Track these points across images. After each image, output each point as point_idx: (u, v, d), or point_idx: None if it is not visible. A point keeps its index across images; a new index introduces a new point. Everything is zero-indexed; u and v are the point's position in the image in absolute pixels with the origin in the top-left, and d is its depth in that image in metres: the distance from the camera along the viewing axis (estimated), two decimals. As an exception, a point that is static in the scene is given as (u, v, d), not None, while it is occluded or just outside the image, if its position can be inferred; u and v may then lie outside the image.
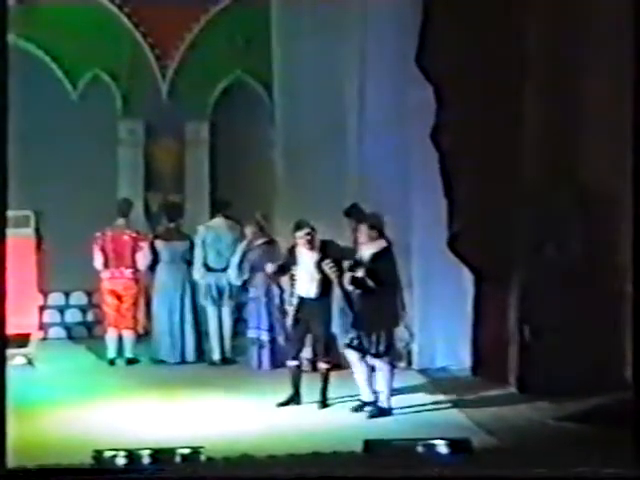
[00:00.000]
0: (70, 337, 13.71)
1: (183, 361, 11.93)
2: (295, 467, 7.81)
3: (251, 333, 11.70)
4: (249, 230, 11.83)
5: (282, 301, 11.67)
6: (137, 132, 14.10)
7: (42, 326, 12.69)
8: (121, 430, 9.03)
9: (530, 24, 9.82)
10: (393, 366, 9.63)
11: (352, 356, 9.59)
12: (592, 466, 7.34)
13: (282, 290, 11.71)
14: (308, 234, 9.93)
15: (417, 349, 11.32)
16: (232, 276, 11.82)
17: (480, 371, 10.78)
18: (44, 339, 12.62)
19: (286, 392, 10.08)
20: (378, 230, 9.74)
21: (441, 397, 10.11)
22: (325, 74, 12.30)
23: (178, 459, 7.86)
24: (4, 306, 7.79)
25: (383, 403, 9.51)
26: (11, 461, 7.80)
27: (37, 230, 12.06)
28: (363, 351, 9.49)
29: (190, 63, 14.03)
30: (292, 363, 10.03)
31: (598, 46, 9.55)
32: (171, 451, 7.93)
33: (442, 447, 7.95)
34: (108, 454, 7.87)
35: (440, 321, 11.13)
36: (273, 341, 11.63)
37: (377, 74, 11.85)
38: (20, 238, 11.86)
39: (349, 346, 9.57)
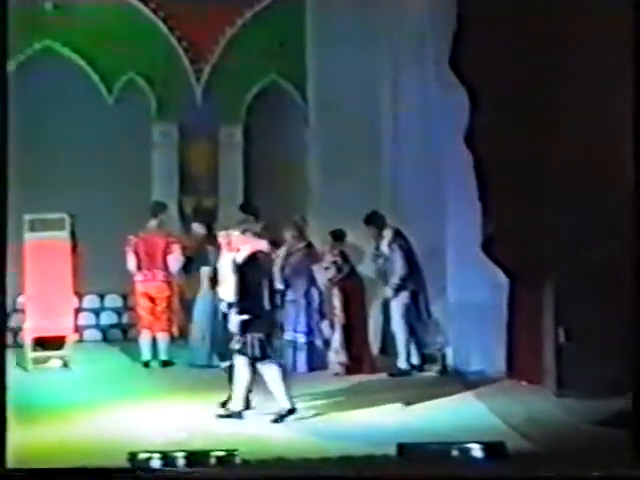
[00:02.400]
0: (105, 339, 13.77)
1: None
2: (329, 470, 7.82)
3: (287, 336, 11.71)
4: (288, 234, 11.82)
5: (321, 304, 11.70)
6: (171, 135, 14.15)
7: (77, 328, 12.75)
8: (156, 432, 9.07)
9: (564, 28, 9.77)
10: (280, 365, 9.53)
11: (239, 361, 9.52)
12: (626, 468, 7.31)
13: (321, 293, 11.74)
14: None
15: (451, 353, 11.30)
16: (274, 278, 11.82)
17: (515, 374, 10.73)
18: (79, 341, 12.68)
19: (322, 395, 10.09)
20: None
21: (475, 400, 10.08)
22: (359, 77, 12.32)
23: (213, 461, 7.89)
24: (4, 305, 7.82)
25: (281, 405, 9.44)
26: (47, 462, 7.88)
27: (72, 233, 12.13)
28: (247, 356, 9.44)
29: (224, 66, 14.07)
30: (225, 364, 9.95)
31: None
32: (206, 454, 7.96)
33: (476, 450, 7.94)
34: (143, 456, 7.91)
35: (475, 325, 11.08)
36: (310, 344, 11.64)
37: (411, 77, 11.87)
38: (55, 241, 11.96)
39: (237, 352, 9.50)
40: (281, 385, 9.49)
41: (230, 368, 9.83)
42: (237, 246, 9.70)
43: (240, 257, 9.59)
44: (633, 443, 7.69)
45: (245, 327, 9.41)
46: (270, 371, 9.48)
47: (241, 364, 9.50)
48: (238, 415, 9.46)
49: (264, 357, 9.43)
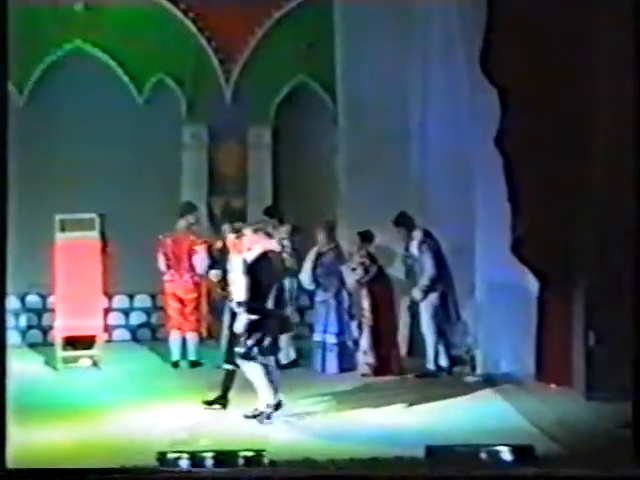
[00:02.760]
0: (134, 339, 13.82)
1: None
2: (357, 471, 7.82)
3: (317, 337, 11.70)
4: (320, 235, 11.81)
5: (350, 305, 11.69)
6: (201, 136, 14.17)
7: (107, 328, 12.82)
8: (185, 432, 9.10)
9: (597, 28, 9.72)
10: (264, 365, 9.50)
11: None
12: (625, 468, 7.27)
13: (350, 294, 11.73)
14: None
15: (481, 355, 11.25)
16: (305, 281, 11.82)
17: (544, 377, 10.68)
18: (109, 341, 12.74)
19: (350, 396, 10.08)
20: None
21: (504, 403, 10.05)
22: (388, 78, 12.30)
23: (241, 462, 7.90)
24: (4, 304, 7.85)
25: (265, 401, 9.46)
26: (75, 461, 7.91)
27: (102, 233, 12.18)
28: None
29: (254, 67, 14.07)
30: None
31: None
32: (234, 454, 7.97)
33: (505, 453, 7.90)
34: (171, 456, 7.94)
35: (504, 327, 11.03)
36: (340, 345, 11.63)
37: (441, 78, 11.83)
38: (86, 241, 12.02)
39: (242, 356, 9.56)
40: (266, 382, 9.49)
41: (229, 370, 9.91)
42: (249, 245, 9.71)
43: (251, 256, 9.60)
44: (633, 443, 7.64)
45: (254, 327, 9.43)
46: (253, 369, 9.49)
47: (249, 366, 9.50)
48: (267, 416, 9.46)
49: (253, 358, 9.45)
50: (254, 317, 9.44)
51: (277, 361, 11.78)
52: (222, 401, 9.95)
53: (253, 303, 9.47)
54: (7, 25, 7.81)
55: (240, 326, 9.53)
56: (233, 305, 9.87)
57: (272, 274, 9.62)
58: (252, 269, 9.52)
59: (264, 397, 9.48)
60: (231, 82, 14.09)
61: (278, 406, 9.53)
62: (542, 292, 10.68)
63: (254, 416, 9.47)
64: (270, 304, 9.55)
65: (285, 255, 10.81)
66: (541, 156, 10.18)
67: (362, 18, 12.50)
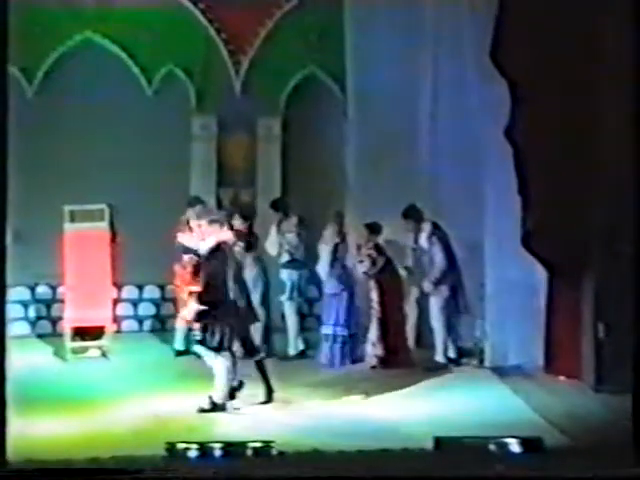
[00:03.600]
0: (143, 330, 13.83)
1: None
2: (366, 463, 7.82)
3: (326, 329, 11.69)
4: (332, 228, 11.80)
5: (359, 297, 11.67)
6: (210, 128, 14.16)
7: (116, 319, 12.84)
8: (193, 423, 9.12)
9: (609, 20, 9.68)
10: (233, 363, 9.60)
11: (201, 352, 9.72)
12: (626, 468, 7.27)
13: (358, 287, 11.74)
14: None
15: (489, 347, 11.24)
16: (322, 273, 11.80)
17: (553, 369, 10.67)
18: (117, 332, 12.76)
19: (359, 389, 10.09)
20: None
21: (513, 395, 10.04)
22: (398, 70, 12.27)
23: (249, 453, 7.92)
24: (4, 302, 7.87)
25: (215, 397, 9.51)
26: (85, 452, 7.94)
27: (111, 224, 12.20)
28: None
29: (263, 59, 14.05)
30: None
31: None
32: (242, 445, 7.99)
33: (514, 445, 7.91)
34: (180, 446, 7.96)
35: (513, 319, 11.03)
36: (350, 337, 11.62)
37: (451, 70, 11.80)
38: (95, 231, 12.05)
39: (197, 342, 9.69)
40: (226, 381, 9.54)
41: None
42: (203, 236, 9.73)
43: (204, 247, 9.62)
44: (633, 443, 7.64)
45: (202, 317, 9.50)
46: (220, 365, 9.52)
47: (207, 356, 9.59)
48: (222, 408, 9.46)
49: (220, 349, 9.49)
50: (203, 307, 9.46)
51: (283, 353, 11.89)
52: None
53: (204, 294, 9.48)
54: (8, 18, 7.76)
55: (189, 315, 9.57)
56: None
57: (225, 265, 9.63)
58: (205, 259, 9.53)
59: (218, 390, 9.54)
60: (241, 73, 14.06)
61: (238, 388, 9.64)
62: (551, 284, 10.67)
63: (210, 410, 9.48)
64: (222, 295, 9.54)
65: (237, 248, 10.75)
66: (551, 149, 10.16)
67: (372, 9, 12.46)
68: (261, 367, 9.91)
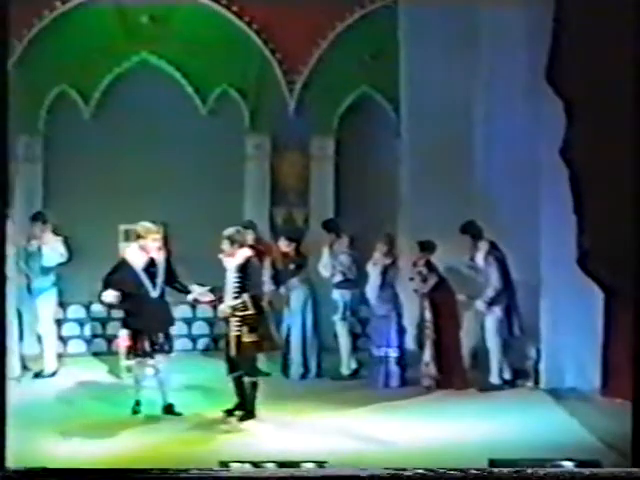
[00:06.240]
0: (196, 349, 13.87)
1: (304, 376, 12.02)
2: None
3: (378, 351, 11.63)
4: (382, 248, 11.75)
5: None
6: (264, 147, 14.23)
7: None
8: (246, 442, 9.12)
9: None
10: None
11: None
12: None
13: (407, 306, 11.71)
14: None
15: (545, 368, 11.13)
16: (371, 295, 11.76)
17: (609, 391, 10.54)
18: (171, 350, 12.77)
19: (412, 409, 10.03)
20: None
21: (569, 417, 9.93)
22: (452, 89, 12.24)
23: (303, 474, 7.88)
24: (4, 304, 7.92)
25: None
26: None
27: (166, 242, 12.26)
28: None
29: (317, 78, 14.11)
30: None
31: None
32: (296, 465, 7.97)
33: (570, 468, 7.80)
34: (234, 466, 7.95)
35: (569, 341, 10.92)
36: (403, 358, 11.58)
37: (506, 89, 11.74)
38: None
39: None
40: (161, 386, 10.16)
41: (238, 379, 10.08)
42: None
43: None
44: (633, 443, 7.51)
45: (122, 323, 10.31)
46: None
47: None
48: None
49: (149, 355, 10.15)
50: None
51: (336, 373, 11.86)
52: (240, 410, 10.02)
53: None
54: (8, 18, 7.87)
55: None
56: None
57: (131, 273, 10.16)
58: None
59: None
60: (294, 93, 14.13)
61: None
62: (608, 305, 10.55)
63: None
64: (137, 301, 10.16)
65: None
66: (607, 168, 10.06)
67: (426, 29, 12.47)
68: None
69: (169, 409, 10.21)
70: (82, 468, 7.84)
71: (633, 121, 8.17)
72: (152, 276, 10.18)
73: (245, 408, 10.00)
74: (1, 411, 7.73)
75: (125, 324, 10.33)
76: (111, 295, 9.99)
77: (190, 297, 10.40)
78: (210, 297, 10.34)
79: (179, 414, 10.17)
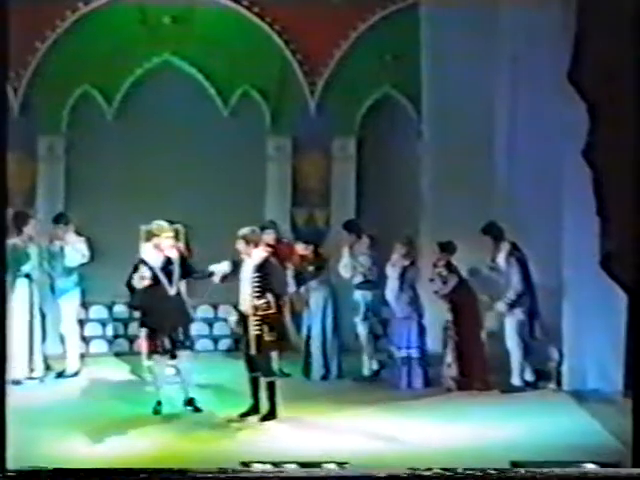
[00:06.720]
0: (217, 349, 13.90)
1: (325, 377, 12.02)
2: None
3: (398, 352, 11.62)
4: (401, 250, 11.72)
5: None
6: (285, 148, 14.25)
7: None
8: (267, 443, 9.12)
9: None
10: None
11: None
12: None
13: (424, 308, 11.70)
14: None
15: (567, 370, 11.09)
16: (391, 296, 11.75)
17: (633, 394, 10.47)
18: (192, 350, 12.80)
19: (434, 410, 10.01)
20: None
21: (591, 419, 9.89)
22: (474, 89, 12.22)
23: (324, 473, 7.89)
24: (4, 305, 7.94)
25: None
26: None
27: (187, 243, 12.30)
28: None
29: (338, 79, 14.12)
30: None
31: None
32: (316, 465, 7.97)
33: (592, 470, 7.76)
34: (255, 466, 7.96)
35: (591, 342, 10.87)
36: (424, 359, 11.57)
37: (528, 90, 11.71)
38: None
39: None
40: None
41: (254, 380, 10.07)
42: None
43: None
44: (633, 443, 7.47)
45: (140, 323, 10.48)
46: None
47: None
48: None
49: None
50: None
51: (358, 374, 11.85)
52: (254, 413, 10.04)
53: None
54: (8, 25, 7.86)
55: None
56: None
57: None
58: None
59: None
60: (316, 94, 14.14)
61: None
62: (631, 307, 10.49)
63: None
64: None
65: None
66: (630, 169, 10.00)
67: (448, 30, 12.45)
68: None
69: (190, 402, 10.25)
70: (101, 468, 7.86)
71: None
72: (169, 274, 10.22)
73: (259, 410, 10.00)
74: (1, 411, 7.73)
75: (143, 323, 10.36)
76: (225, 265, 10.16)
77: (216, 278, 10.35)
78: (229, 266, 10.29)
79: (199, 410, 10.19)
